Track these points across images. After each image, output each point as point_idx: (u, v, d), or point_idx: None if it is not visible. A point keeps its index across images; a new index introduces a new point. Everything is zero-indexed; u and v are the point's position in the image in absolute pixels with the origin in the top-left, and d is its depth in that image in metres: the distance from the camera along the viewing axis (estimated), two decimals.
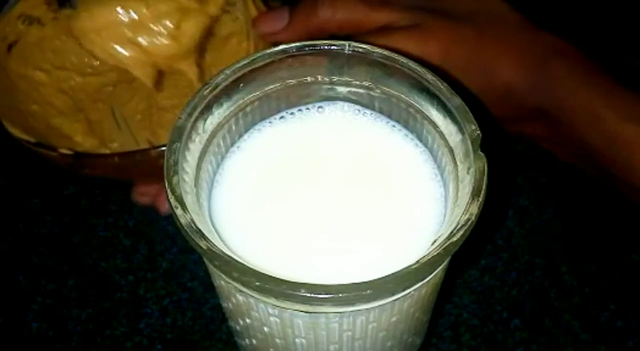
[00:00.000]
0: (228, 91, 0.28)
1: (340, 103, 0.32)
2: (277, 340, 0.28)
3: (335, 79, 0.30)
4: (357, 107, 0.32)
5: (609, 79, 0.39)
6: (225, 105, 0.29)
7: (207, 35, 0.43)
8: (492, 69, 0.39)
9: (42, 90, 0.45)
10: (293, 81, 0.30)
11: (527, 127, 0.43)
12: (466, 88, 0.39)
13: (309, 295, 0.22)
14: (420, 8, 0.40)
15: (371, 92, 0.31)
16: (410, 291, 0.25)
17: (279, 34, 0.41)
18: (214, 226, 0.28)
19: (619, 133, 0.38)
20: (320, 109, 0.32)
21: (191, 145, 0.27)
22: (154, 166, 0.25)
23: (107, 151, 0.45)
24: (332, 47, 0.29)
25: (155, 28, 0.39)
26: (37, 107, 0.44)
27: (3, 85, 0.43)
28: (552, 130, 0.41)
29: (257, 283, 0.22)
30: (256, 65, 0.28)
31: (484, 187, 0.25)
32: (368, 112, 0.32)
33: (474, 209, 0.24)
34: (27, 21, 0.45)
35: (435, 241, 0.25)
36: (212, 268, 0.26)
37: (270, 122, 0.32)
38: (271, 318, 0.26)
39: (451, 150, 0.28)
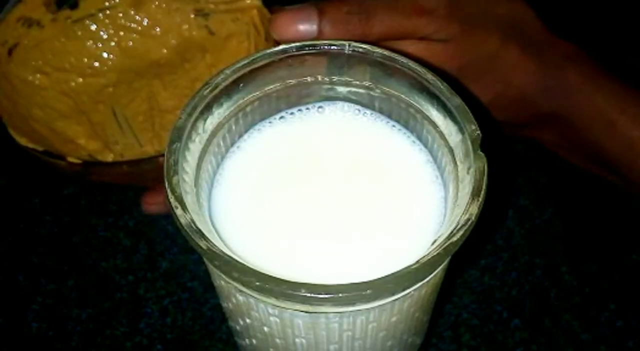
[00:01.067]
0: (228, 91, 0.28)
1: (340, 103, 0.32)
2: (277, 340, 0.28)
3: (335, 79, 0.30)
4: (357, 107, 0.32)
5: (623, 86, 0.39)
6: (225, 105, 0.29)
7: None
8: (508, 77, 0.39)
9: (43, 93, 0.46)
10: (293, 81, 0.30)
11: (541, 133, 0.43)
12: (481, 94, 0.39)
13: (309, 295, 0.22)
14: (458, 17, 0.38)
15: (371, 92, 0.31)
16: (410, 291, 0.25)
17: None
18: (214, 226, 0.28)
19: (636, 138, 0.38)
20: (320, 109, 0.32)
21: (191, 145, 0.27)
22: (161, 172, 0.25)
23: (111, 154, 0.45)
24: (332, 47, 0.29)
25: None
26: (39, 111, 0.45)
27: (5, 91, 0.43)
28: (566, 136, 0.41)
29: (257, 283, 0.22)
30: (256, 65, 0.28)
31: (484, 187, 0.25)
32: (368, 112, 0.32)
33: (474, 209, 0.24)
34: (26, 24, 0.45)
35: (435, 241, 0.25)
36: (212, 268, 0.26)
37: (270, 122, 0.32)
38: (271, 318, 0.26)
39: (451, 150, 0.28)
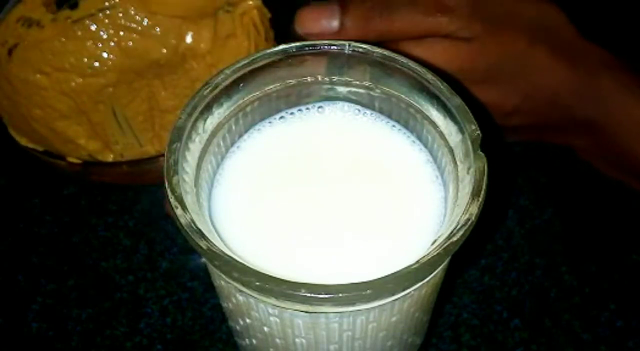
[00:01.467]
0: (228, 91, 0.28)
1: (340, 103, 0.32)
2: (277, 340, 0.28)
3: (335, 78, 0.30)
4: (357, 107, 0.32)
5: None
6: (225, 105, 0.29)
7: None
8: (537, 79, 0.39)
9: (43, 93, 0.46)
10: (293, 81, 0.30)
11: (573, 139, 0.43)
12: (511, 95, 0.40)
13: (309, 295, 0.22)
14: (481, 16, 0.38)
15: (371, 92, 0.31)
16: (410, 291, 0.25)
17: (328, 36, 0.37)
18: (214, 226, 0.28)
19: None
20: (320, 109, 0.32)
21: (191, 145, 0.27)
22: (161, 172, 0.25)
23: (111, 154, 0.45)
24: (332, 47, 0.29)
25: None
26: (39, 111, 0.45)
27: (6, 91, 0.43)
28: (599, 143, 0.41)
29: (257, 283, 0.22)
30: (256, 65, 0.28)
31: (484, 187, 0.25)
32: (368, 112, 0.32)
33: (474, 209, 0.24)
34: (26, 24, 0.45)
35: (435, 241, 0.25)
36: (212, 268, 0.26)
37: (270, 122, 0.32)
38: (271, 318, 0.26)
39: (451, 150, 0.28)
